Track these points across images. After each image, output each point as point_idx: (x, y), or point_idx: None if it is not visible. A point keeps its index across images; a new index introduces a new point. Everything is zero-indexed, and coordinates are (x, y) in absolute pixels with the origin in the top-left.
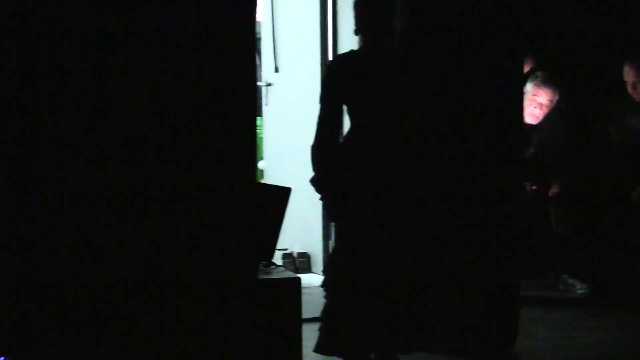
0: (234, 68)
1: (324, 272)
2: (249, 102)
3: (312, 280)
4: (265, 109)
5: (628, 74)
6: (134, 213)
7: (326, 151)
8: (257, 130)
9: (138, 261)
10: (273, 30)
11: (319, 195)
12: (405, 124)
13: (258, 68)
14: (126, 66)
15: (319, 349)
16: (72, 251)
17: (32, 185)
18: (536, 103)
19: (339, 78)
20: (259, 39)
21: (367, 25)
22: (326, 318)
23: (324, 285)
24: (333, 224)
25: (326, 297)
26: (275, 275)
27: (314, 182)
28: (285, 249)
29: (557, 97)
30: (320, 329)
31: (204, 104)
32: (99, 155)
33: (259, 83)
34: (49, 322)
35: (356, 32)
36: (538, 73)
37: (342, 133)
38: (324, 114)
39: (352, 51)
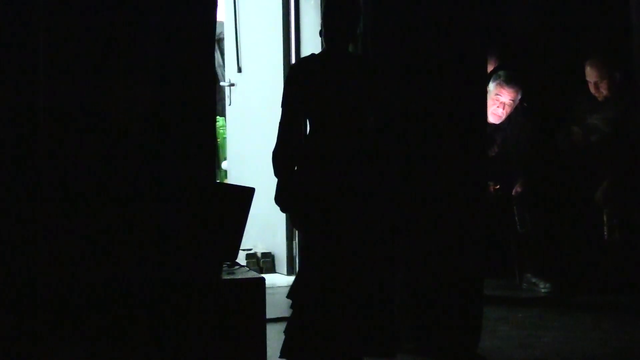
0: (193, 70)
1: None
2: (208, 104)
3: (276, 280)
4: (228, 109)
5: (590, 74)
6: (96, 214)
7: (287, 156)
8: (221, 131)
9: (101, 262)
10: (236, 30)
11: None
12: (364, 127)
13: (221, 68)
14: (84, 66)
15: (285, 354)
16: (29, 252)
17: None
18: (499, 102)
19: (298, 82)
20: (222, 39)
21: (330, 29)
22: (294, 325)
23: (290, 295)
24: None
25: (292, 305)
26: (239, 276)
27: (277, 199)
28: (249, 249)
29: (519, 97)
30: (286, 334)
31: (165, 106)
32: (60, 156)
33: (222, 83)
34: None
35: (321, 34)
36: (501, 72)
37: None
38: (284, 118)
39: (312, 55)
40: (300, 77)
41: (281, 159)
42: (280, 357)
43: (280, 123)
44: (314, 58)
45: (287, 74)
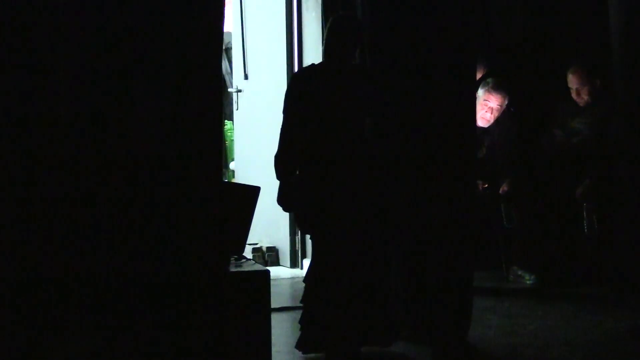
0: (200, 73)
1: (306, 278)
2: (216, 108)
3: (280, 272)
4: (236, 114)
5: (572, 81)
6: (113, 211)
7: (288, 160)
8: (229, 134)
9: (115, 257)
10: (243, 40)
11: None
12: (362, 131)
13: (229, 75)
14: (99, 70)
15: (301, 347)
16: (41, 250)
17: None
18: (487, 107)
19: (299, 90)
20: (230, 48)
21: (332, 50)
22: (308, 317)
23: (305, 294)
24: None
25: (304, 300)
26: (245, 268)
27: (280, 200)
28: (255, 244)
29: (506, 102)
30: (302, 328)
31: (176, 110)
32: (73, 157)
33: (230, 89)
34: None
35: (324, 53)
36: (489, 80)
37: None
38: (286, 124)
39: (312, 65)
40: (300, 85)
41: (283, 163)
42: (295, 347)
43: (282, 129)
44: (314, 67)
45: (288, 82)
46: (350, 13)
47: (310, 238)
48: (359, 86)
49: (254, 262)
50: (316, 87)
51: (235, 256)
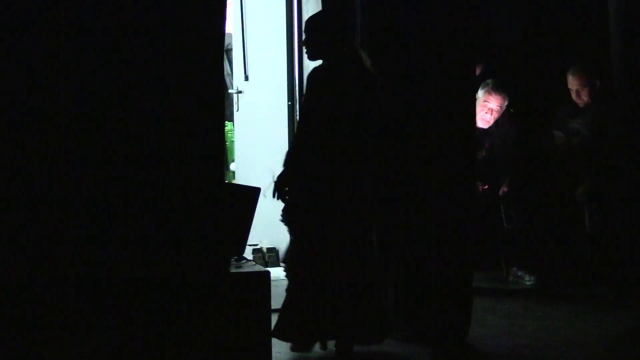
0: (203, 76)
1: (284, 262)
2: (218, 110)
3: (280, 273)
4: (236, 115)
5: (572, 82)
6: (115, 213)
7: (302, 154)
8: (229, 135)
9: (116, 257)
10: (243, 41)
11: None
12: (363, 131)
13: (229, 77)
14: (103, 72)
15: (275, 333)
16: (41, 250)
17: None
18: (487, 108)
19: (323, 89)
20: (230, 50)
21: (316, 50)
22: (287, 308)
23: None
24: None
25: (287, 289)
26: (246, 269)
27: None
28: (255, 245)
29: (506, 103)
30: (279, 316)
31: (178, 112)
32: (73, 157)
33: (230, 90)
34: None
35: (305, 45)
36: (489, 81)
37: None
38: (307, 121)
39: (325, 64)
40: (323, 83)
41: (296, 160)
42: (273, 336)
43: (302, 126)
44: (327, 67)
45: (312, 80)
46: (320, 12)
47: (289, 231)
48: (361, 88)
49: (254, 263)
50: (326, 88)
51: (236, 257)
